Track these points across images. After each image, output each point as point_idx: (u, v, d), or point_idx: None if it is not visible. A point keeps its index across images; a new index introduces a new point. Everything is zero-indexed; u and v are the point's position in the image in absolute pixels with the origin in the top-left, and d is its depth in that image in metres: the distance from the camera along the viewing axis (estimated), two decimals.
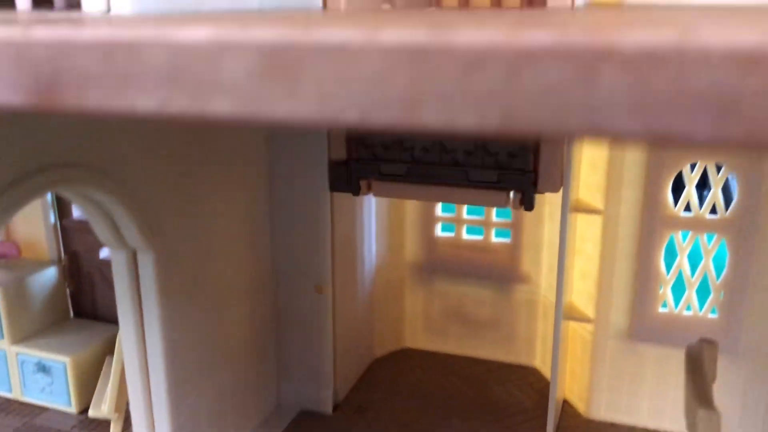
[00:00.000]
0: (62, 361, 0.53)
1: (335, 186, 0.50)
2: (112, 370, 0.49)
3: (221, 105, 0.14)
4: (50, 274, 0.57)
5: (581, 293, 0.53)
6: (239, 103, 0.14)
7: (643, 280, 0.49)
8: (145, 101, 0.14)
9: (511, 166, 0.46)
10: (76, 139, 0.34)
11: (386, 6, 0.45)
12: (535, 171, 0.45)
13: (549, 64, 0.12)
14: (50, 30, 0.15)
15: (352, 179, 0.49)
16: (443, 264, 0.62)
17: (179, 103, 0.14)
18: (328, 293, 0.53)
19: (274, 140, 0.50)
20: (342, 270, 0.54)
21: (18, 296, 0.55)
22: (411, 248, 0.62)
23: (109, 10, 0.32)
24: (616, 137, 0.12)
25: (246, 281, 0.50)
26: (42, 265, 0.57)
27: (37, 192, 0.33)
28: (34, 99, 0.15)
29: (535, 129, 0.12)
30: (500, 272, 0.60)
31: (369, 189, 0.50)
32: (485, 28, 0.12)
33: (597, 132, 0.12)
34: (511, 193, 0.46)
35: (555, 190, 0.46)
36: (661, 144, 0.11)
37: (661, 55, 0.11)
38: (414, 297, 0.64)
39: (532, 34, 0.12)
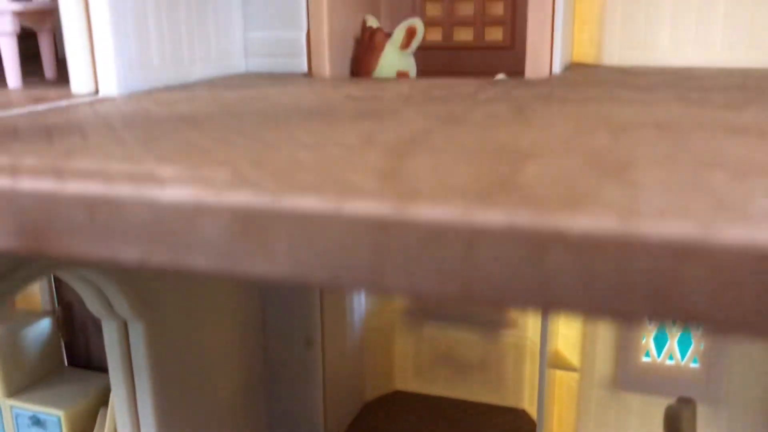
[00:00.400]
0: (56, 415, 0.53)
1: None
2: (106, 427, 0.49)
3: (198, 261, 0.15)
4: (44, 325, 0.58)
5: (567, 340, 0.53)
6: (215, 260, 0.14)
7: (626, 330, 0.50)
8: (127, 253, 0.15)
9: None
10: None
11: (371, 19, 0.46)
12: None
13: (502, 243, 0.12)
14: (37, 182, 0.16)
15: None
16: (432, 309, 0.63)
17: (159, 257, 0.15)
18: (317, 343, 0.54)
19: None
20: (331, 318, 0.55)
21: (12, 348, 0.55)
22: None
23: (97, 91, 0.33)
24: (565, 311, 0.12)
25: (235, 340, 0.51)
26: (36, 316, 0.58)
27: (32, 278, 0.33)
28: (23, 243, 0.16)
29: (492, 299, 0.13)
30: (488, 317, 0.61)
31: None
32: (444, 202, 0.13)
33: (548, 305, 0.13)
34: None
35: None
36: (606, 319, 0.12)
37: (603, 242, 0.12)
38: (404, 341, 0.64)
39: (487, 213, 0.13)
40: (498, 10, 0.52)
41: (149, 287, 0.41)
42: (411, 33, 0.44)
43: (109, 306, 0.40)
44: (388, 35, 0.45)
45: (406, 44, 0.44)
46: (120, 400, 0.42)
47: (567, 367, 0.53)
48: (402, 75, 0.45)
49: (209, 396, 0.48)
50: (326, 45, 0.43)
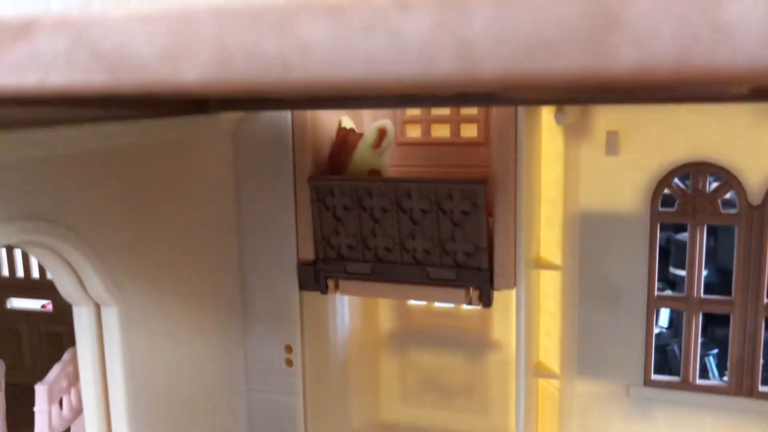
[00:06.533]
0: None
1: (304, 285, 0.53)
2: None
3: None
4: None
5: (547, 349, 0.55)
6: None
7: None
8: None
9: (468, 265, 0.49)
10: (39, 193, 0.36)
11: (346, 120, 0.50)
12: (491, 269, 0.49)
13: None
14: None
15: (319, 279, 0.53)
16: (416, 332, 0.64)
17: None
18: (297, 366, 0.55)
19: (245, 238, 0.54)
20: (313, 341, 0.57)
21: None
22: (384, 317, 0.65)
23: None
24: None
25: (214, 336, 0.52)
26: None
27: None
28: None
29: None
30: (472, 338, 0.62)
31: (336, 287, 0.53)
32: None
33: None
34: (470, 290, 0.49)
35: (510, 287, 0.49)
36: None
37: None
38: (389, 366, 0.65)
39: None
40: (473, 110, 0.56)
41: (126, 271, 0.41)
42: (382, 134, 0.48)
43: (82, 288, 0.40)
44: (361, 135, 0.49)
45: (377, 144, 0.48)
46: (89, 392, 0.42)
47: (548, 374, 0.54)
48: (374, 173, 0.49)
49: (184, 393, 0.48)
50: None
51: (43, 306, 0.76)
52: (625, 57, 0.14)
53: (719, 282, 0.94)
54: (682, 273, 1.09)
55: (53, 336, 0.73)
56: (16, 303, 0.75)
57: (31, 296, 0.74)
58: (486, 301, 0.48)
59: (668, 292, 0.83)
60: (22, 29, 0.18)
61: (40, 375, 0.72)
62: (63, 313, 0.70)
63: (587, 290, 0.52)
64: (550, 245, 0.53)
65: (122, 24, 0.17)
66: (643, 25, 0.13)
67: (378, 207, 0.48)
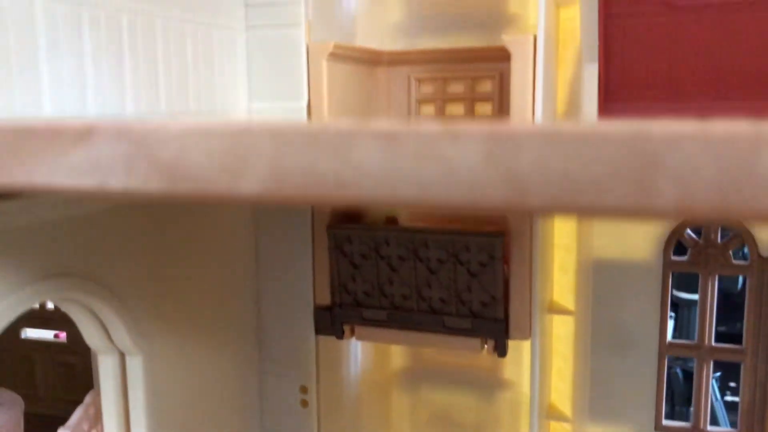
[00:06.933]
0: None
1: (320, 330, 0.54)
2: None
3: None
4: None
5: (560, 392, 0.56)
6: None
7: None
8: None
9: (484, 315, 0.49)
10: (71, 250, 0.37)
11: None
12: (506, 320, 0.49)
13: None
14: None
15: (335, 324, 0.53)
16: (428, 370, 0.64)
17: None
18: (312, 406, 0.56)
19: (263, 283, 0.55)
20: (327, 381, 0.57)
21: None
22: (396, 354, 0.65)
23: None
24: None
25: (231, 382, 0.53)
26: None
27: (30, 301, 0.35)
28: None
29: None
30: (484, 377, 0.62)
31: (352, 333, 0.54)
32: None
33: None
34: (486, 340, 0.50)
35: (525, 337, 0.50)
36: None
37: None
38: (400, 403, 0.66)
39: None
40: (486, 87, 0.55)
41: (151, 320, 0.42)
42: None
43: (108, 337, 0.41)
44: None
45: None
46: None
47: (560, 417, 0.55)
48: (391, 221, 0.50)
49: None
50: (324, 89, 0.47)
51: (56, 335, 0.77)
52: (666, 197, 0.14)
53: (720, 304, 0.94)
54: (685, 295, 1.09)
55: (67, 366, 0.74)
56: (30, 333, 0.75)
57: (44, 327, 0.75)
58: (501, 351, 0.49)
59: (671, 314, 0.83)
60: (82, 134, 0.19)
61: (53, 405, 0.73)
62: (77, 343, 0.70)
63: (600, 335, 0.53)
64: (564, 290, 0.54)
65: (181, 136, 0.18)
66: (686, 168, 0.14)
67: (395, 255, 0.48)
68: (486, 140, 0.15)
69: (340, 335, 0.53)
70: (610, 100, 0.50)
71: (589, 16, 0.48)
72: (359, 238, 0.49)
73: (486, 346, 0.49)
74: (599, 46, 0.48)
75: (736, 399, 0.53)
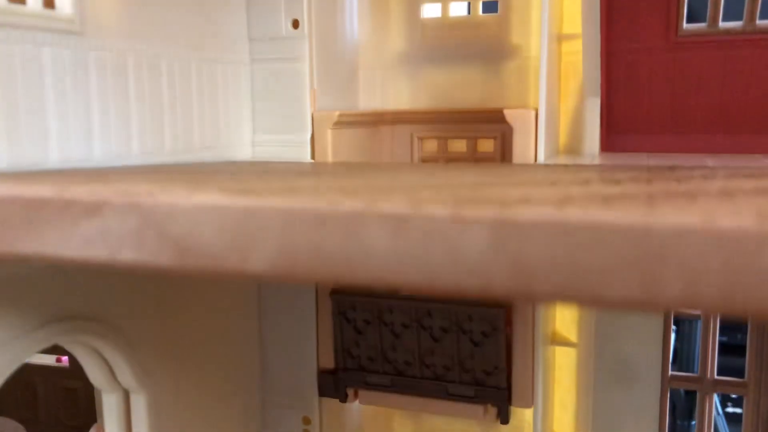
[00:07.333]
0: None
1: (324, 392, 0.55)
2: None
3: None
4: None
5: (562, 424, 0.56)
6: None
7: None
8: None
9: (487, 383, 0.50)
10: (79, 295, 0.37)
11: None
12: (509, 388, 0.49)
13: None
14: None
15: (339, 387, 0.54)
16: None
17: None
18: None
19: (266, 345, 0.55)
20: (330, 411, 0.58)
21: None
22: (398, 419, 0.65)
23: None
24: None
25: (234, 417, 0.53)
26: None
27: (39, 344, 0.35)
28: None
29: None
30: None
31: (356, 396, 0.54)
32: None
33: None
34: (488, 407, 0.50)
35: (528, 405, 0.50)
36: None
37: None
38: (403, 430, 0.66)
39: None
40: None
41: (155, 360, 0.42)
42: None
43: (112, 376, 0.41)
44: None
45: None
46: None
47: None
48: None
49: None
50: (329, 152, 0.48)
51: (57, 359, 0.77)
52: (672, 289, 0.15)
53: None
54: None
55: (69, 391, 0.74)
56: (32, 357, 0.75)
57: (46, 351, 0.75)
58: (504, 418, 0.49)
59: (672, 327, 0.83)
60: (93, 207, 0.19)
61: (55, 429, 0.73)
62: (79, 368, 0.70)
63: (602, 367, 0.53)
64: (566, 322, 0.54)
65: (191, 212, 0.18)
66: (692, 262, 0.14)
67: (398, 323, 0.49)
68: (493, 227, 0.16)
69: (344, 399, 0.53)
70: (613, 134, 0.50)
71: (591, 51, 0.48)
72: (363, 305, 0.49)
73: (488, 413, 0.50)
74: (602, 80, 0.49)
75: (738, 410, 0.53)
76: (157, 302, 0.43)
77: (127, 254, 0.19)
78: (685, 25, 0.46)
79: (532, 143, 0.43)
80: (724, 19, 0.45)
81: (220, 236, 0.18)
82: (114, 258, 0.19)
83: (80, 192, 0.19)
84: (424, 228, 0.16)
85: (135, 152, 0.38)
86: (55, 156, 0.33)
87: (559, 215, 0.15)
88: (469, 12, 0.57)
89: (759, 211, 0.14)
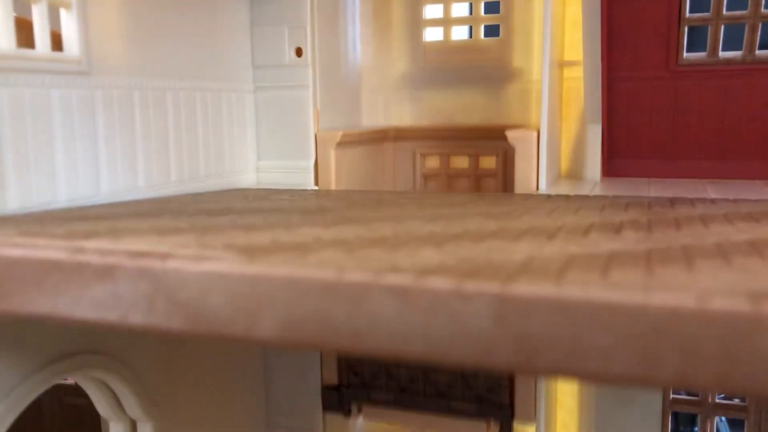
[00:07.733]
0: None
1: (328, 407, 0.55)
2: None
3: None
4: None
5: None
6: None
7: None
8: None
9: (490, 400, 0.50)
10: (87, 329, 0.37)
11: None
12: (512, 404, 0.50)
13: None
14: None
15: (343, 403, 0.54)
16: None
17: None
18: None
19: (270, 364, 0.56)
20: None
21: None
22: None
23: None
24: None
25: None
26: None
27: (50, 381, 0.35)
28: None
29: None
30: None
31: (360, 412, 0.54)
32: None
33: None
34: (491, 423, 0.51)
35: (530, 421, 0.51)
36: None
37: None
38: None
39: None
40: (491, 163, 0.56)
41: (161, 390, 0.43)
42: None
43: (119, 406, 0.41)
44: None
45: None
46: None
47: None
48: None
49: None
50: (332, 172, 0.48)
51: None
52: (669, 368, 0.15)
53: None
54: None
55: (74, 408, 0.74)
56: None
57: None
58: None
59: None
60: (105, 271, 0.20)
61: None
62: None
63: (604, 389, 0.54)
64: None
65: (200, 279, 0.19)
66: (688, 341, 0.15)
67: None
68: (496, 302, 0.16)
69: (348, 414, 0.54)
70: (614, 159, 0.51)
71: (593, 78, 0.48)
72: None
73: (491, 429, 0.50)
74: (603, 107, 0.49)
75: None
76: (167, 342, 0.44)
77: (137, 318, 0.19)
78: (685, 54, 0.47)
79: (534, 167, 0.44)
80: (724, 48, 0.46)
81: (229, 303, 0.18)
82: (125, 321, 0.19)
83: (92, 254, 0.20)
84: (428, 300, 0.17)
85: (141, 186, 0.39)
86: (63, 195, 0.33)
87: (559, 293, 0.16)
88: (471, 36, 0.58)
89: (750, 293, 0.15)
